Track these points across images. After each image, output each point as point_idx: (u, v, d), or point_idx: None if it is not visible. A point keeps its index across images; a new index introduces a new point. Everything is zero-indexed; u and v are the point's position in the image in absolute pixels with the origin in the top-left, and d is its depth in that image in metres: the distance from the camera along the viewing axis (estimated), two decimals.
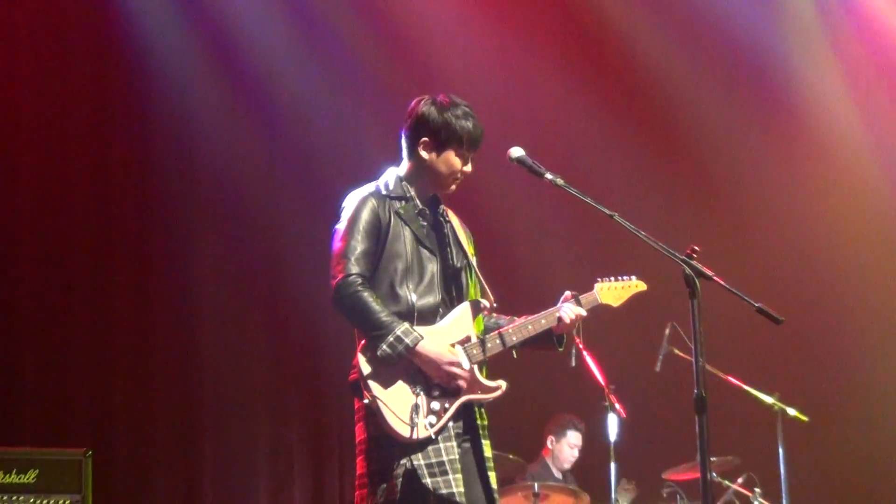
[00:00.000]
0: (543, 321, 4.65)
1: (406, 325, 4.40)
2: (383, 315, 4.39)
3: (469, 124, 4.59)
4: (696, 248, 4.11)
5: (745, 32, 9.83)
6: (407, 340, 4.37)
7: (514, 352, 4.69)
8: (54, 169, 8.05)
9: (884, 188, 9.83)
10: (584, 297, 4.75)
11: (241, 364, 8.48)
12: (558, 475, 8.43)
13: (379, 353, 4.36)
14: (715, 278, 4.08)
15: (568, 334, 4.79)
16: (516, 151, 4.58)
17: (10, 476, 6.16)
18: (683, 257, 4.09)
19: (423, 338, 4.40)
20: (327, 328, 7.87)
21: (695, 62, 9.81)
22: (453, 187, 4.68)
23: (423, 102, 4.66)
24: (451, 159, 4.61)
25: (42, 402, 7.65)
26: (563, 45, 9.81)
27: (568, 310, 4.68)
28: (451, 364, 4.43)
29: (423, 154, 4.62)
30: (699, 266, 4.06)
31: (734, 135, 9.95)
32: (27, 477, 6.18)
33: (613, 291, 4.86)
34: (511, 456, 7.74)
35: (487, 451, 4.57)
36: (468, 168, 4.65)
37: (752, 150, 9.95)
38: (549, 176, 4.48)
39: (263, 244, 8.69)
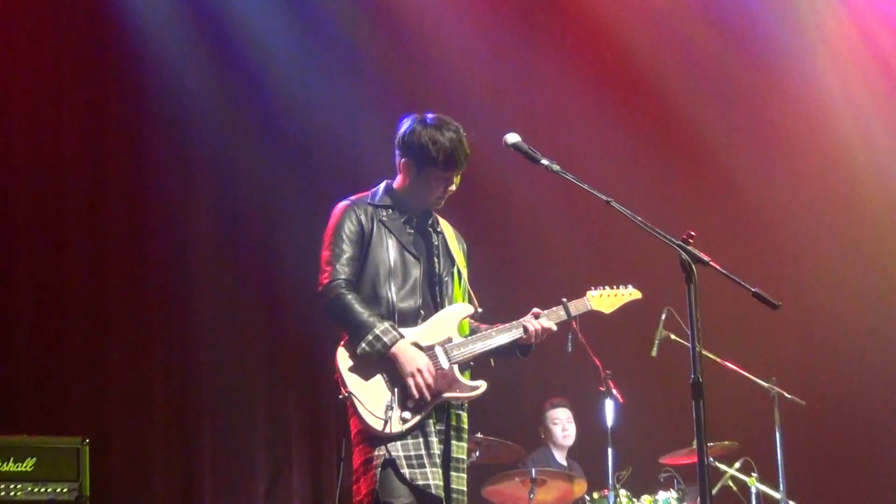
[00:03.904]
0: (528, 326, 4.81)
1: (387, 324, 4.57)
2: (365, 315, 4.56)
3: (448, 146, 4.70)
4: (693, 232, 4.10)
5: (741, 19, 9.82)
6: (385, 339, 4.53)
7: (492, 361, 4.86)
8: (49, 156, 7.98)
9: (880, 173, 9.80)
10: (573, 304, 4.98)
11: (239, 351, 8.44)
12: (561, 460, 8.43)
13: (358, 350, 4.54)
14: (711, 263, 4.07)
15: (566, 322, 4.94)
16: (512, 137, 4.59)
17: (7, 464, 6.17)
18: (680, 242, 4.07)
19: (401, 338, 4.55)
20: (323, 319, 7.83)
21: (690, 48, 9.80)
22: (440, 204, 4.84)
23: (408, 122, 4.79)
24: (431, 180, 4.77)
25: (39, 389, 7.59)
26: (559, 30, 9.80)
27: (533, 322, 4.81)
28: (416, 373, 4.53)
29: (406, 174, 4.79)
30: (695, 251, 4.04)
31: (731, 120, 9.94)
32: (24, 465, 6.21)
33: (606, 299, 5.08)
34: (510, 443, 7.72)
35: (457, 453, 4.69)
36: (452, 187, 4.80)
37: (748, 135, 9.94)
38: (544, 161, 4.49)
39: (260, 233, 8.65)
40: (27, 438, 6.34)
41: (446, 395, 4.62)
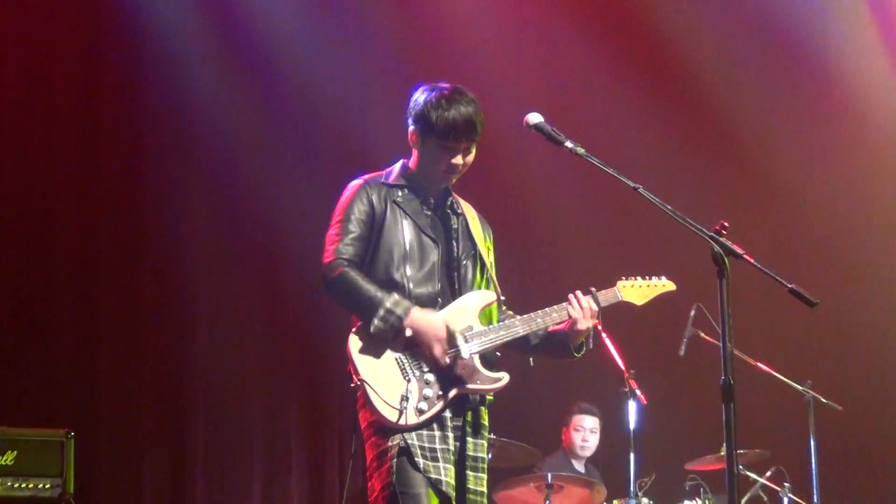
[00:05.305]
0: (555, 314, 4.62)
1: (396, 295, 4.42)
2: (373, 290, 4.41)
3: (450, 115, 4.51)
4: (726, 223, 3.95)
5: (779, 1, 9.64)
6: (398, 311, 4.38)
7: (531, 360, 4.75)
8: (40, 139, 7.96)
9: None
10: (602, 294, 4.72)
11: (236, 344, 8.35)
12: (579, 467, 8.30)
13: (372, 328, 4.39)
14: (745, 256, 3.91)
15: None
16: (534, 118, 4.42)
17: None
18: (712, 233, 3.92)
19: (414, 306, 4.41)
20: (327, 308, 7.75)
21: (725, 28, 9.59)
22: (451, 179, 4.65)
23: (418, 90, 4.65)
24: (434, 151, 4.57)
25: (22, 379, 7.53)
26: (585, 7, 9.58)
27: (577, 302, 4.61)
28: (443, 339, 4.39)
29: (414, 146, 4.66)
30: (728, 243, 3.89)
31: (767, 104, 9.69)
32: (5, 459, 6.12)
33: (638, 290, 4.86)
34: (526, 445, 7.60)
35: (474, 451, 4.54)
36: (458, 160, 4.58)
37: (785, 122, 9.70)
38: (568, 144, 4.31)
39: (260, 222, 8.57)
40: (8, 430, 6.26)
41: (466, 387, 4.46)
